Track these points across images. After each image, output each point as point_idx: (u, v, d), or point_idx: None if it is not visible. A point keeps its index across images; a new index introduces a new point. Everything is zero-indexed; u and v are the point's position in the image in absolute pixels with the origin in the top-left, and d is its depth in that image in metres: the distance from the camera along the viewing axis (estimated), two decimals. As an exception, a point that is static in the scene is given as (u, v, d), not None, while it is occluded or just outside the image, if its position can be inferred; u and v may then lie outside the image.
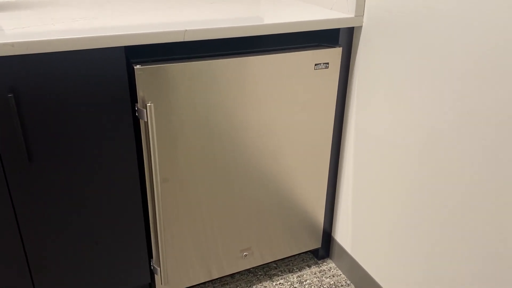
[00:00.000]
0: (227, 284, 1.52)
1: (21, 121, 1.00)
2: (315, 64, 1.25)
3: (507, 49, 0.87)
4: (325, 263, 1.60)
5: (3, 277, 1.13)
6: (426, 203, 1.13)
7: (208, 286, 1.51)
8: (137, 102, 1.10)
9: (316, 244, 1.56)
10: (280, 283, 1.51)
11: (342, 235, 1.52)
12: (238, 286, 1.50)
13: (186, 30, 1.06)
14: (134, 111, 1.13)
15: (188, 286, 1.40)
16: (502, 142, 0.91)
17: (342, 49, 1.29)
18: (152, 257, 1.31)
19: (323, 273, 1.56)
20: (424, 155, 1.11)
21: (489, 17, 0.89)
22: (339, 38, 1.29)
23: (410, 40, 1.09)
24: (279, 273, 1.56)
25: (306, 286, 1.50)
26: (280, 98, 1.25)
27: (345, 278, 1.53)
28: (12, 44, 0.92)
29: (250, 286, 1.50)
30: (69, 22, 1.12)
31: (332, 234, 1.58)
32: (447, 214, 1.07)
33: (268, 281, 1.53)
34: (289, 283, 1.52)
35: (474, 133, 0.97)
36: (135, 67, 1.05)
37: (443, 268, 1.11)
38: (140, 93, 1.07)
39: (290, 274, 1.55)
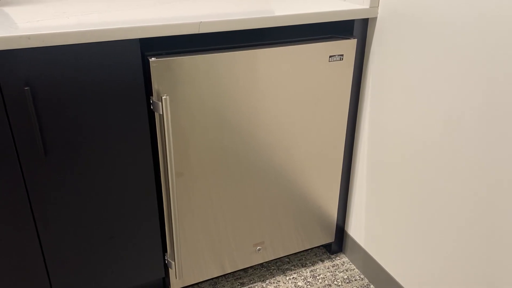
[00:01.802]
0: (240, 278, 1.51)
1: (37, 114, 0.99)
2: (330, 56, 1.24)
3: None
4: (338, 258, 1.60)
5: (19, 271, 1.13)
6: (441, 197, 1.12)
7: (222, 280, 1.50)
8: (152, 95, 1.09)
9: (329, 238, 1.55)
10: (293, 278, 1.51)
11: (356, 229, 1.52)
12: (251, 280, 1.50)
13: (201, 22, 1.05)
14: (149, 104, 1.13)
15: (201, 280, 1.39)
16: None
17: (357, 41, 1.27)
18: (166, 252, 1.31)
19: (337, 267, 1.55)
20: (440, 149, 1.10)
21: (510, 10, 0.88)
22: (353, 30, 1.27)
23: (427, 32, 1.08)
24: (292, 267, 1.56)
25: (320, 280, 1.49)
26: (294, 91, 1.24)
27: (359, 272, 1.52)
28: (29, 37, 0.91)
29: (263, 280, 1.50)
30: (82, 15, 1.11)
31: (345, 228, 1.57)
32: (463, 208, 1.06)
33: (282, 276, 1.52)
34: (302, 277, 1.51)
35: (495, 128, 0.95)
36: (150, 60, 1.04)
37: (458, 260, 1.10)
38: (155, 85, 1.07)
39: (303, 269, 1.55)
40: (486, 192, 1.00)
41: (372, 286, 1.46)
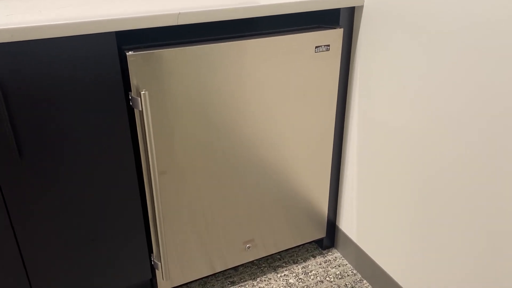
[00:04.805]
0: (230, 277, 1.48)
1: (9, 113, 0.95)
2: (316, 47, 1.20)
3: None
4: (330, 253, 1.57)
5: (-2, 278, 1.09)
6: (432, 190, 1.09)
7: (211, 280, 1.47)
8: (130, 91, 1.05)
9: (320, 234, 1.52)
10: (285, 275, 1.48)
11: (347, 224, 1.49)
12: (242, 279, 1.47)
13: (179, 13, 1.01)
14: (128, 100, 1.09)
15: (190, 280, 1.36)
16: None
17: (343, 30, 1.24)
18: (152, 252, 1.27)
19: (329, 263, 1.52)
20: (431, 142, 1.07)
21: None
22: (339, 19, 1.23)
23: (414, 20, 1.04)
24: (284, 264, 1.53)
25: (312, 277, 1.46)
26: (280, 83, 1.20)
27: (351, 267, 1.50)
28: (-4, 32, 0.87)
29: (254, 278, 1.47)
30: (57, 9, 1.07)
31: (337, 223, 1.54)
32: (455, 202, 1.03)
33: (273, 273, 1.49)
34: (294, 274, 1.48)
35: (488, 121, 0.92)
36: (127, 54, 1.00)
37: (449, 254, 1.08)
38: (133, 80, 1.02)
39: (295, 265, 1.52)
40: (478, 185, 0.97)
41: (364, 281, 1.44)
